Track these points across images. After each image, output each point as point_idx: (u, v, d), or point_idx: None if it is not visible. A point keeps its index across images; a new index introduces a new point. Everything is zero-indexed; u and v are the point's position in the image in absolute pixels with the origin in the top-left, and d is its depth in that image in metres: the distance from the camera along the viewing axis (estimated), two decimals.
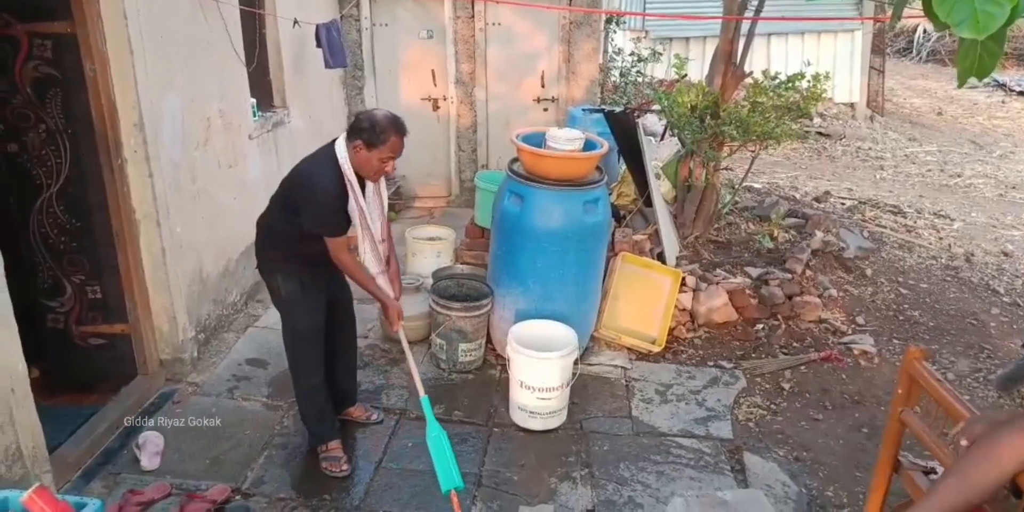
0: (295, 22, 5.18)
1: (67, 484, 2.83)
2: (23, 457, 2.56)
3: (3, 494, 2.10)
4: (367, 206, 2.87)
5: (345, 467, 3.04)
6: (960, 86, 1.47)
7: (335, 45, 5.58)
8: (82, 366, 3.57)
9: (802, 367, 4.01)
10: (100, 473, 2.97)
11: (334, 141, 2.83)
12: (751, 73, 5.15)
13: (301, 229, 2.80)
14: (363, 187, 2.86)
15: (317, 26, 5.41)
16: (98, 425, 3.18)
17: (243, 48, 4.44)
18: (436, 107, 6.91)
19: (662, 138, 6.58)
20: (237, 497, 2.86)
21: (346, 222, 2.84)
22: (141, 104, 3.35)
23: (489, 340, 4.04)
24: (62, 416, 3.16)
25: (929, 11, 1.26)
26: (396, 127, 2.75)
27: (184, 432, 3.25)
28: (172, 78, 3.62)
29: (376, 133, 2.69)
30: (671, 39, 10.72)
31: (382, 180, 2.96)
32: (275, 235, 2.94)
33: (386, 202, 3.02)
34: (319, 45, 5.48)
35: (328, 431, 3.13)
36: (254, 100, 4.70)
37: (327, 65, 5.56)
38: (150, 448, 3.04)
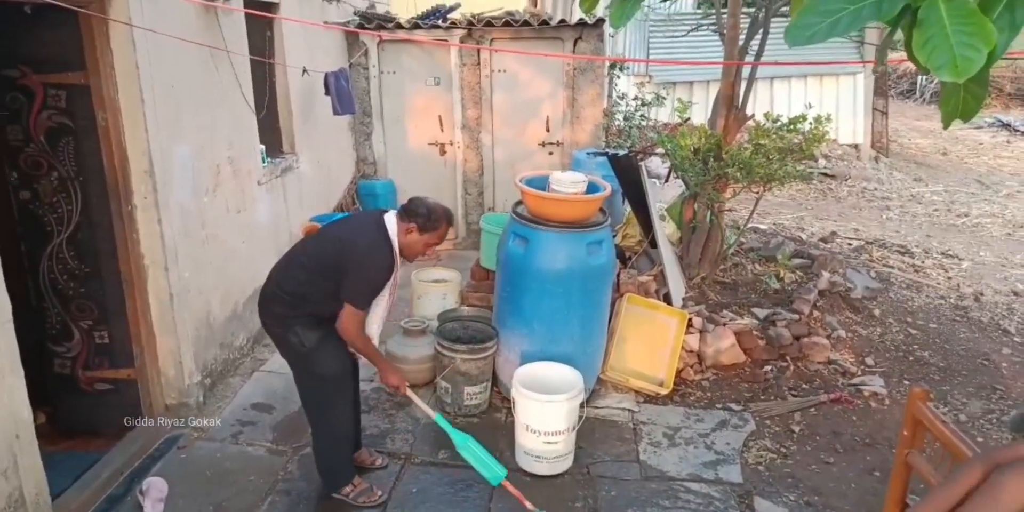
0: (304, 71, 5.33)
1: None
2: (25, 504, 2.54)
3: None
4: (396, 280, 2.99)
5: (380, 492, 3.15)
6: (945, 128, 1.50)
7: (343, 93, 5.73)
8: (88, 411, 3.57)
9: (812, 409, 3.96)
10: None
11: (381, 216, 2.94)
12: (753, 116, 5.23)
13: (328, 292, 2.84)
14: None
15: (326, 74, 5.57)
16: (102, 471, 3.16)
17: (253, 96, 4.56)
18: (443, 152, 7.03)
19: (666, 180, 6.64)
20: None
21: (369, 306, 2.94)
22: (151, 152, 3.44)
23: (495, 383, 4.01)
24: (66, 462, 3.15)
25: (911, 56, 1.29)
26: (447, 217, 2.98)
27: (188, 478, 3.23)
28: (182, 126, 3.71)
29: (431, 220, 2.90)
30: (674, 83, 10.94)
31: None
32: (301, 298, 2.91)
33: (398, 283, 3.09)
34: (327, 93, 5.62)
35: (352, 470, 3.17)
36: (263, 146, 4.80)
37: (335, 112, 5.70)
38: (154, 494, 3.02)
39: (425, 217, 2.89)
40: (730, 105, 5.12)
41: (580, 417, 3.38)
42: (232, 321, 4.25)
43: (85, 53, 3.25)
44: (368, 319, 2.98)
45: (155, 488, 3.06)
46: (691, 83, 11.19)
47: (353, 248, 2.85)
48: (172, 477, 3.20)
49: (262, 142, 4.77)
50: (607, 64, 7.59)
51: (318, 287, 2.87)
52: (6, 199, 3.41)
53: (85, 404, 3.57)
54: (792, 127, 4.96)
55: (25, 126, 3.34)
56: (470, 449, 3.11)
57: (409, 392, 3.11)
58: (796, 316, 4.59)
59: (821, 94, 11.30)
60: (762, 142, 4.94)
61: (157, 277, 3.51)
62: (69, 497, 2.96)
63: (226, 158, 4.19)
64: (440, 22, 6.60)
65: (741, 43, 5.29)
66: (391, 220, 2.92)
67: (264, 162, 4.77)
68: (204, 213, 3.91)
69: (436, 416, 3.18)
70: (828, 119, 5.13)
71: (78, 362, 3.54)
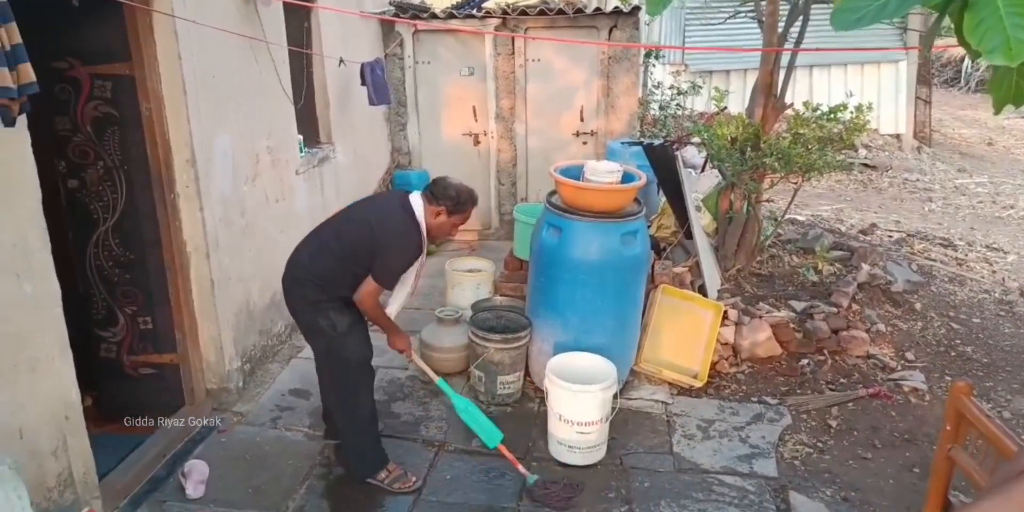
0: (340, 61, 5.36)
1: (115, 511, 2.89)
2: (74, 483, 2.63)
3: None
4: (423, 262, 3.07)
5: (414, 478, 3.18)
6: (996, 114, 1.45)
7: (379, 83, 5.76)
8: (132, 395, 3.66)
9: (850, 404, 3.90)
10: (147, 500, 3.03)
11: (404, 202, 2.96)
12: (791, 105, 5.14)
13: (359, 277, 2.91)
14: None
15: (362, 65, 5.60)
16: (146, 453, 3.25)
17: (291, 87, 4.61)
18: (477, 142, 7.03)
19: (702, 170, 6.56)
20: None
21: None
22: (193, 141, 3.50)
23: (527, 373, 4.03)
24: (111, 444, 3.24)
25: (961, 39, 1.26)
26: (473, 199, 3.06)
27: (228, 461, 3.31)
28: (223, 116, 3.77)
29: (460, 202, 2.98)
30: (711, 72, 10.77)
31: None
32: (333, 283, 2.96)
33: (424, 265, 3.17)
34: (363, 83, 5.65)
35: (383, 455, 3.20)
36: (301, 137, 4.85)
37: (371, 102, 5.73)
38: (195, 476, 3.10)
39: (455, 200, 2.95)
40: (768, 94, 5.03)
41: (613, 408, 3.38)
42: (271, 308, 4.32)
43: (130, 44, 3.32)
44: (394, 298, 3.13)
45: (197, 470, 3.14)
46: (728, 72, 11.01)
47: (384, 232, 2.89)
48: (212, 460, 3.28)
49: (300, 132, 4.82)
50: (642, 53, 7.49)
51: (349, 272, 2.93)
52: (55, 188, 3.50)
53: (129, 388, 3.66)
54: (832, 116, 4.86)
55: (73, 116, 3.42)
56: (469, 412, 3.30)
57: (415, 356, 3.30)
58: (834, 309, 4.52)
59: (862, 83, 11.03)
60: (801, 131, 4.85)
61: (199, 264, 3.58)
62: (114, 477, 3.05)
63: (265, 148, 4.25)
64: (475, 11, 6.59)
65: (780, 30, 5.19)
66: (417, 202, 2.96)
67: (302, 152, 4.83)
68: (244, 202, 3.97)
69: (438, 381, 3.36)
70: (870, 108, 5.02)
71: (123, 347, 3.64)
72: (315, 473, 3.25)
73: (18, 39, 2.25)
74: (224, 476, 3.19)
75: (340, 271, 2.94)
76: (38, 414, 2.52)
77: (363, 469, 3.16)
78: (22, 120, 2.40)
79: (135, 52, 3.33)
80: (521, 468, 3.16)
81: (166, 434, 3.42)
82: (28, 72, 2.29)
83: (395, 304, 3.22)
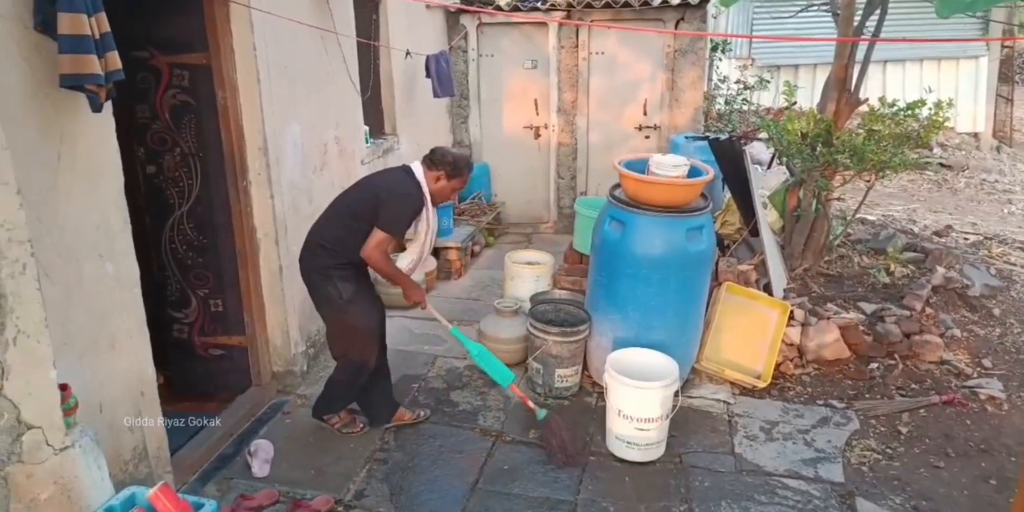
0: (407, 53, 5.41)
1: (184, 485, 2.99)
2: (148, 457, 2.73)
3: (131, 490, 2.24)
4: (431, 223, 3.27)
5: (362, 425, 3.47)
6: None
7: (444, 75, 5.79)
8: (201, 375, 3.78)
9: (921, 410, 3.75)
10: (215, 477, 3.12)
11: (407, 168, 3.26)
12: (866, 100, 4.96)
13: (363, 238, 3.09)
14: None
15: (427, 57, 5.64)
16: (214, 431, 3.35)
17: (358, 78, 4.67)
18: (537, 135, 7.01)
19: (769, 166, 6.41)
20: (340, 508, 2.93)
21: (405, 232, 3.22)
22: (266, 130, 3.58)
23: (586, 367, 4.00)
24: (181, 421, 3.34)
25: None
26: (470, 165, 3.31)
27: (292, 442, 3.38)
28: (294, 105, 3.85)
29: (457, 167, 3.23)
30: (779, 67, 10.49)
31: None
32: (342, 245, 3.15)
33: (435, 226, 3.39)
34: (428, 75, 5.69)
35: (345, 402, 3.47)
36: (367, 127, 4.92)
37: (435, 95, 5.77)
38: (261, 455, 3.18)
39: (452, 165, 3.21)
40: (842, 88, 4.87)
41: (674, 406, 3.32)
42: None
43: (207, 35, 3.41)
44: (405, 254, 3.30)
45: (263, 450, 3.22)
46: (796, 66, 10.69)
47: (386, 188, 3.16)
48: (277, 440, 3.36)
49: (365, 123, 4.89)
50: (708, 46, 7.34)
51: (356, 232, 3.12)
52: (133, 173, 3.63)
53: (199, 368, 3.78)
54: (910, 113, 4.67)
55: (152, 104, 3.54)
56: (483, 357, 3.48)
57: (430, 306, 3.40)
58: (907, 312, 4.35)
59: (939, 79, 10.58)
60: (876, 128, 4.68)
61: (268, 250, 3.66)
62: (184, 454, 3.15)
63: (333, 138, 4.32)
64: (539, 4, 6.56)
65: (856, 23, 5.01)
66: (417, 168, 3.23)
67: (367, 142, 4.90)
68: (311, 190, 4.04)
69: (452, 329, 3.50)
70: (950, 104, 4.81)
71: (195, 328, 3.76)
72: (376, 457, 3.29)
73: (107, 28, 2.33)
74: (288, 456, 3.27)
75: (347, 233, 3.14)
76: (116, 389, 2.62)
77: (321, 411, 3.46)
78: (108, 107, 2.48)
79: (212, 42, 3.42)
80: (531, 404, 3.46)
81: (233, 413, 3.52)
82: (115, 60, 2.37)
83: (406, 259, 3.34)
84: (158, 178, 3.64)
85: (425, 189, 3.18)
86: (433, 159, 3.22)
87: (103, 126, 2.56)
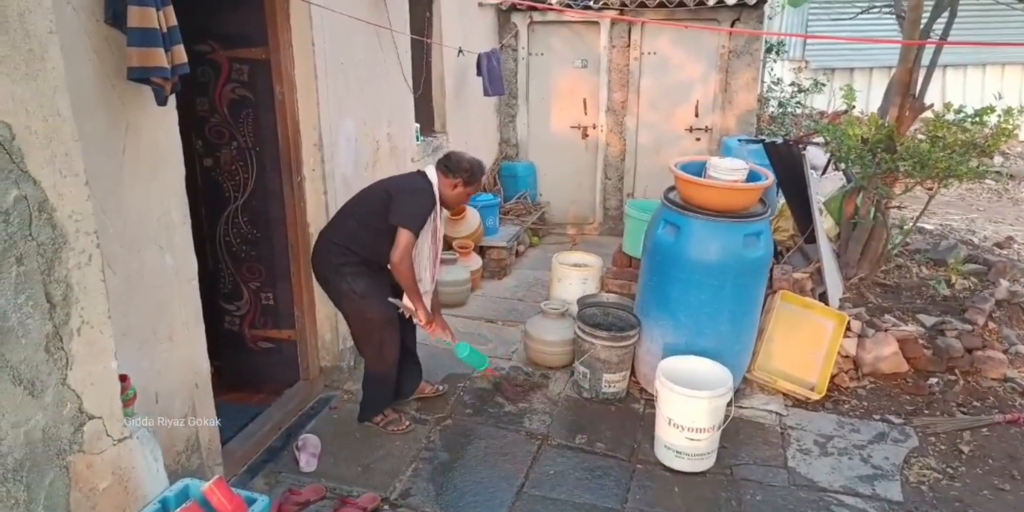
0: (460, 51, 5.39)
1: (233, 478, 3.01)
2: (200, 448, 2.75)
3: (185, 482, 2.24)
4: (438, 229, 3.32)
5: (408, 423, 3.48)
6: None
7: (495, 74, 5.76)
8: (251, 367, 3.81)
9: (983, 429, 3.60)
10: (263, 470, 3.13)
11: (421, 173, 3.29)
12: (931, 105, 4.79)
13: (376, 228, 3.14)
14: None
15: (479, 55, 5.61)
16: (263, 424, 3.37)
17: (411, 75, 4.66)
18: (585, 135, 6.95)
19: (824, 172, 6.24)
20: (386, 507, 2.92)
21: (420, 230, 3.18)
22: (321, 126, 3.59)
23: (633, 372, 3.93)
24: (230, 413, 3.36)
25: None
26: (484, 171, 3.36)
27: (339, 437, 3.39)
28: (349, 102, 3.85)
29: (474, 174, 3.26)
30: (833, 69, 10.25)
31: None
32: (353, 242, 3.19)
33: (441, 234, 3.45)
34: (479, 73, 5.67)
35: (386, 401, 3.48)
36: (417, 125, 4.91)
37: (486, 93, 5.74)
38: (309, 450, 3.18)
39: (469, 172, 3.23)
40: (906, 93, 4.71)
41: (727, 416, 3.24)
42: None
43: (267, 30, 3.42)
44: (416, 263, 3.22)
45: (310, 444, 3.23)
46: (851, 70, 10.44)
47: (397, 187, 3.22)
48: (324, 435, 3.37)
49: (416, 121, 4.88)
50: (763, 47, 7.18)
51: (367, 228, 3.18)
52: (191, 166, 3.67)
53: (249, 360, 3.81)
54: (979, 119, 4.49)
55: (211, 98, 3.57)
56: (473, 354, 3.50)
57: (438, 331, 3.42)
58: (969, 327, 4.19)
59: (1001, 85, 10.22)
60: (940, 135, 4.51)
61: None
62: (234, 446, 3.17)
63: (385, 135, 4.32)
64: (591, 3, 6.49)
65: (923, 25, 4.85)
66: (432, 173, 3.25)
67: (418, 140, 4.89)
68: (363, 186, 4.03)
69: (456, 345, 3.47)
70: (1021, 111, 4.61)
71: (246, 321, 3.79)
72: (421, 456, 3.28)
73: (174, 22, 2.34)
74: (335, 452, 3.27)
75: (359, 229, 3.19)
76: (172, 380, 2.64)
77: (366, 414, 3.48)
78: (172, 100, 2.50)
79: (272, 37, 3.44)
80: (493, 372, 3.80)
81: (282, 407, 3.54)
82: (181, 54, 2.39)
83: (425, 271, 3.33)
84: (215, 171, 3.67)
85: (437, 193, 3.20)
86: (449, 165, 3.22)
87: (167, 119, 2.58)
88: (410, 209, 3.11)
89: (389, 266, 3.16)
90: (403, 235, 3.06)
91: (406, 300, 3.31)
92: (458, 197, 3.29)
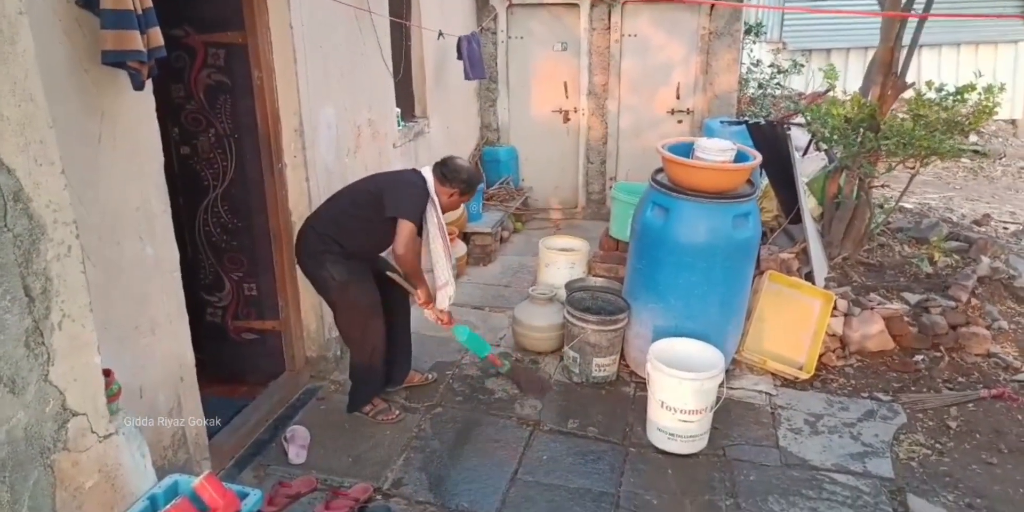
0: (440, 34, 5.30)
1: (222, 472, 2.95)
2: (187, 443, 2.69)
3: (174, 478, 2.19)
4: (442, 225, 3.29)
5: (397, 412, 3.44)
6: None
7: (475, 57, 5.68)
8: (235, 359, 3.74)
9: (970, 404, 3.64)
10: (251, 463, 3.08)
11: (416, 171, 3.27)
12: (913, 84, 4.80)
13: (362, 218, 3.13)
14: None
15: (460, 38, 5.52)
16: (249, 417, 3.32)
17: (391, 60, 4.57)
18: (567, 119, 6.89)
19: (805, 152, 6.25)
20: (378, 497, 2.88)
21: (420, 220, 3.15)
22: (302, 111, 3.50)
23: (622, 356, 3.92)
24: (215, 406, 3.30)
25: None
26: (481, 181, 3.50)
27: (328, 428, 3.34)
28: (329, 87, 3.76)
29: (471, 185, 3.26)
30: (810, 51, 10.27)
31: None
32: (329, 230, 3.15)
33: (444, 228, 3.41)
34: (460, 57, 5.58)
35: (375, 391, 3.45)
36: (399, 110, 4.83)
37: (467, 77, 5.66)
38: (298, 441, 3.14)
39: (467, 183, 3.23)
40: (888, 72, 4.71)
41: (719, 398, 3.24)
42: None
43: (243, 13, 3.32)
44: (432, 258, 3.26)
45: (299, 436, 3.18)
46: (828, 51, 10.47)
47: (391, 180, 3.23)
48: (312, 426, 3.32)
49: (397, 106, 4.80)
50: (743, 28, 7.14)
51: (352, 218, 3.15)
52: (168, 154, 3.57)
53: (233, 352, 3.74)
54: (960, 97, 4.51)
55: (187, 84, 3.47)
56: (473, 338, 3.62)
57: (432, 310, 3.40)
58: (952, 303, 4.23)
59: (976, 64, 10.29)
60: (922, 113, 4.52)
61: None
62: (221, 439, 3.11)
63: (366, 120, 4.24)
64: None
65: (902, 5, 4.84)
66: (428, 174, 3.22)
67: (399, 125, 4.81)
68: (345, 173, 3.96)
69: (455, 328, 3.56)
70: (1001, 89, 4.63)
71: (228, 312, 3.71)
72: (413, 445, 3.24)
73: (149, 3, 2.25)
74: (324, 443, 3.22)
75: (344, 218, 3.16)
76: (156, 374, 2.58)
77: (355, 404, 3.44)
78: (148, 85, 2.42)
79: (248, 21, 3.34)
80: (498, 360, 3.73)
81: (268, 399, 3.49)
82: (158, 36, 2.30)
83: (437, 265, 3.31)
84: (192, 159, 3.57)
85: (432, 192, 3.18)
86: (446, 173, 3.21)
87: (144, 105, 2.50)
88: (406, 200, 3.08)
89: (389, 257, 3.16)
90: (404, 225, 3.03)
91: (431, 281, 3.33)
92: (452, 204, 3.30)
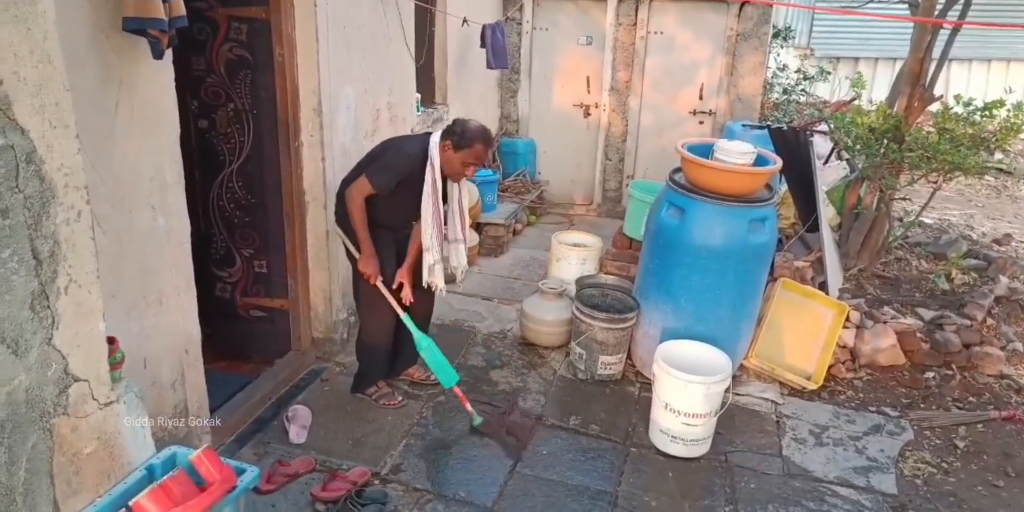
0: (464, 21, 5.25)
1: (221, 447, 2.94)
2: (188, 416, 2.67)
3: (172, 450, 2.17)
4: (451, 205, 3.24)
5: (400, 398, 3.43)
6: None
7: (499, 46, 5.63)
8: (241, 336, 3.73)
9: (979, 425, 3.59)
10: (251, 440, 3.07)
11: (427, 134, 3.17)
12: (941, 96, 4.72)
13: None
14: (444, 187, 3.22)
15: (484, 26, 5.48)
16: (252, 394, 3.30)
17: (414, 44, 4.53)
18: (587, 114, 6.84)
19: (827, 161, 6.18)
20: (376, 481, 2.86)
21: (391, 187, 3.07)
22: (321, 90, 3.47)
23: (629, 355, 3.88)
24: (219, 381, 3.29)
25: None
26: (483, 138, 3.07)
27: (330, 410, 3.32)
28: (350, 67, 3.73)
29: (464, 138, 3.03)
30: (838, 58, 10.16)
31: (465, 192, 3.31)
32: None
33: (466, 209, 3.36)
34: (483, 45, 5.54)
35: (379, 374, 3.42)
36: (419, 95, 4.79)
37: (489, 66, 5.61)
38: (299, 421, 3.12)
39: (459, 135, 3.03)
40: (916, 83, 4.64)
41: (724, 403, 3.20)
42: None
43: None
44: (423, 229, 3.14)
45: (300, 416, 3.16)
46: (856, 59, 10.35)
47: (392, 145, 3.18)
48: (315, 407, 3.31)
49: (417, 91, 4.76)
50: (771, 31, 7.06)
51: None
52: (186, 127, 3.54)
53: (240, 329, 3.73)
54: (988, 113, 4.42)
55: (208, 57, 3.44)
56: (433, 352, 3.25)
57: (379, 284, 3.19)
58: (967, 322, 4.16)
59: (1006, 80, 10.15)
60: (948, 127, 4.44)
61: (316, 214, 3.57)
62: (222, 414, 3.10)
63: (385, 103, 4.20)
64: None
65: (936, 14, 4.76)
66: (435, 136, 3.12)
67: (418, 110, 4.77)
68: (361, 155, 3.91)
69: (404, 316, 3.26)
70: None
71: (238, 288, 3.69)
72: (414, 432, 3.22)
73: None
74: (325, 425, 3.21)
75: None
76: (161, 346, 2.56)
77: (360, 385, 3.43)
78: (168, 55, 2.39)
79: None
80: (469, 407, 3.24)
81: (272, 377, 3.47)
82: (180, 6, 2.28)
83: (425, 234, 3.17)
84: (210, 133, 3.55)
85: (434, 155, 3.06)
86: (447, 128, 3.13)
87: (163, 75, 2.47)
88: (379, 163, 3.08)
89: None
90: (360, 180, 3.05)
91: (426, 272, 3.22)
92: (450, 162, 3.07)
